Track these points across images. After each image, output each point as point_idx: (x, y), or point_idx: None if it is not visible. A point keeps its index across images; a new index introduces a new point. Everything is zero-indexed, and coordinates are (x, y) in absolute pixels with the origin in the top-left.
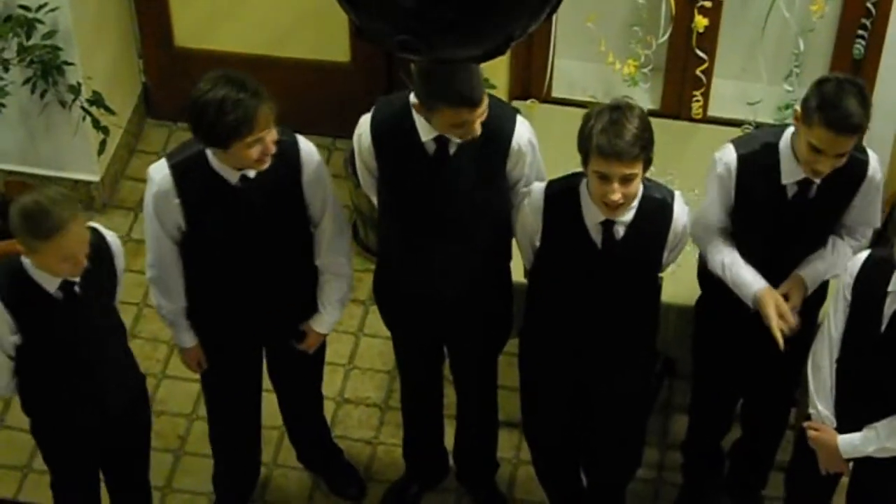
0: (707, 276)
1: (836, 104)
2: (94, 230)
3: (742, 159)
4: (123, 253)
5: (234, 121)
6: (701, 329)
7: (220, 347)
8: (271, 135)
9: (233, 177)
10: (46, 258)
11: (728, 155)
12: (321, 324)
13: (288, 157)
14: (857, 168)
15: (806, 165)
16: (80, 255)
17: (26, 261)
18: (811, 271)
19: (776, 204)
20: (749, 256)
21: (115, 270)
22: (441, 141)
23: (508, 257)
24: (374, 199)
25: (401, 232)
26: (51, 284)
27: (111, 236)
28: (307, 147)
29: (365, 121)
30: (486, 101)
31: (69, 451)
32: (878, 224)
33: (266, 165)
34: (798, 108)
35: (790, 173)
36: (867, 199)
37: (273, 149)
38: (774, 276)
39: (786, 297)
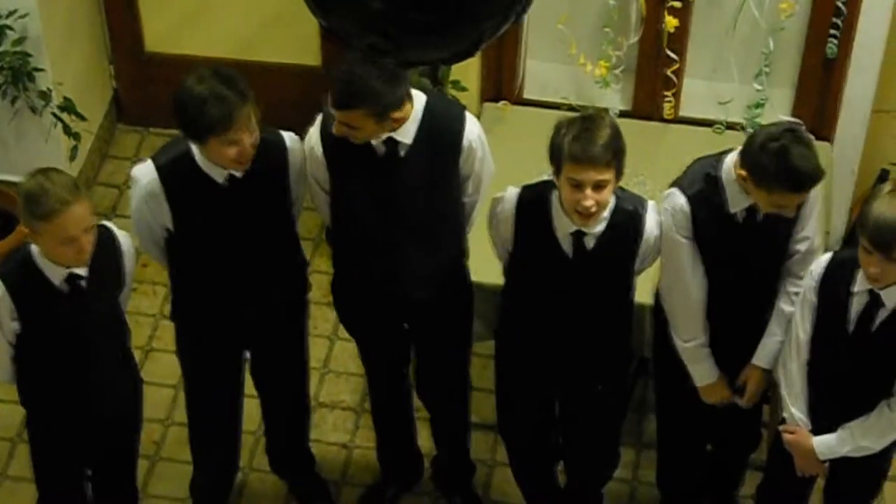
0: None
1: (792, 165)
2: (105, 227)
3: (692, 199)
4: (134, 255)
5: (213, 116)
6: (660, 372)
7: (203, 348)
8: (251, 138)
9: (220, 176)
10: (47, 240)
11: (678, 199)
12: None
13: (274, 155)
14: None
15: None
16: (82, 241)
17: (34, 249)
18: (767, 354)
19: (727, 233)
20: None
21: (123, 270)
22: (390, 142)
23: (464, 255)
24: (326, 216)
25: (357, 237)
26: (56, 276)
27: (122, 236)
28: (293, 144)
29: (314, 133)
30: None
31: (60, 448)
32: (816, 234)
33: (244, 168)
34: (742, 171)
35: (736, 202)
36: (809, 205)
37: (251, 153)
38: (726, 309)
39: (743, 386)
